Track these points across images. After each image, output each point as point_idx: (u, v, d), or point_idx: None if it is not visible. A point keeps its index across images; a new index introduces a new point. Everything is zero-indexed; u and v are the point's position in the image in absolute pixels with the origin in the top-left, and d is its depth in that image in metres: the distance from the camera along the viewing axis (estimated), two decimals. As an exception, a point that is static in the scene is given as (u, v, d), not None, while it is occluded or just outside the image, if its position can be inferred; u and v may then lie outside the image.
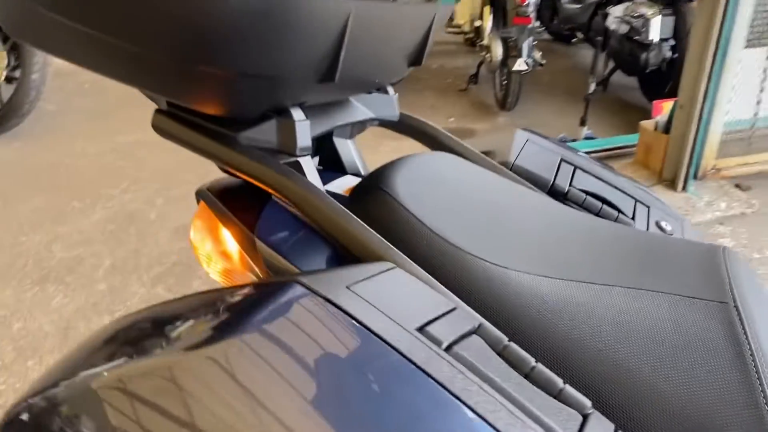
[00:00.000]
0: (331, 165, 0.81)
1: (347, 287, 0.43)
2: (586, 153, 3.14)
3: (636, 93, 4.01)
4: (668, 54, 3.47)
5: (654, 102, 3.23)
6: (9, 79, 3.37)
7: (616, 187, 0.91)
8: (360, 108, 0.78)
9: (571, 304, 0.54)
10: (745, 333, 0.51)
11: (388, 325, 0.41)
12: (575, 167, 0.92)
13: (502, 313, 0.55)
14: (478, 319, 0.49)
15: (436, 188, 0.66)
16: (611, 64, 3.95)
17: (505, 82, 3.71)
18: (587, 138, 3.30)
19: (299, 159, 0.69)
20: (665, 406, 0.50)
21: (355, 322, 0.40)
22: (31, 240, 2.48)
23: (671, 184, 2.78)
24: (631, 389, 0.51)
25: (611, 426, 0.44)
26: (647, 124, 2.93)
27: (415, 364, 0.39)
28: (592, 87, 3.20)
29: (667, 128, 2.80)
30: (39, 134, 3.59)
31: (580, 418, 0.43)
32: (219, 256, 0.66)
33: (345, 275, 0.45)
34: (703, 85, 2.55)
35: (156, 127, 0.62)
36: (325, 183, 0.74)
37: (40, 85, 3.41)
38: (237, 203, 0.67)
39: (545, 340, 0.53)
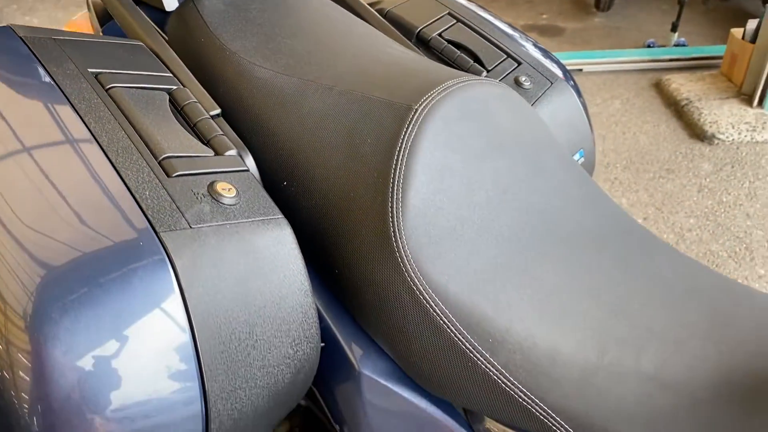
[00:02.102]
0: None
1: (53, 38, 0.58)
2: (671, 60, 2.98)
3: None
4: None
5: None
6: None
7: (495, 44, 0.96)
8: None
9: (289, 95, 0.66)
10: (406, 131, 0.60)
11: (63, 68, 0.56)
12: (458, 21, 0.98)
13: (238, 95, 0.68)
14: (178, 84, 0.62)
15: (249, 10, 0.77)
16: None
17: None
18: (677, 45, 3.11)
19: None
20: (324, 185, 0.61)
21: (35, 58, 0.55)
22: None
23: (748, 100, 2.60)
24: (306, 167, 0.63)
25: (247, 174, 0.57)
26: (737, 32, 2.71)
27: (62, 90, 0.54)
28: (688, -12, 2.97)
29: (754, 37, 2.58)
30: None
31: (211, 153, 0.56)
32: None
33: (66, 34, 0.60)
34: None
35: None
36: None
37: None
38: None
39: (257, 116, 0.66)
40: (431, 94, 0.63)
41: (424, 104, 0.62)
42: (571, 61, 2.93)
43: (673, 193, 2.20)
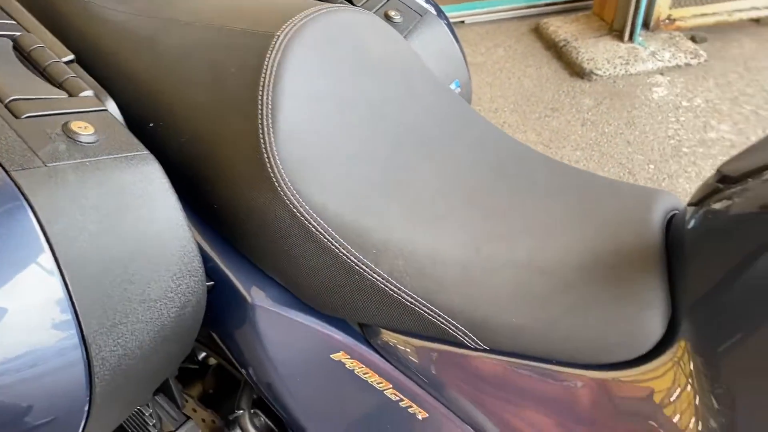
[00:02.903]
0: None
1: None
2: (547, 5, 3.05)
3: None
4: None
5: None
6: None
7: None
8: None
9: (146, 35, 0.64)
10: (270, 58, 0.59)
11: None
12: None
13: (92, 41, 0.65)
14: (22, 30, 0.59)
15: None
16: None
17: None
18: (551, -10, 3.22)
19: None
20: (192, 121, 0.60)
21: None
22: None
23: (619, 35, 2.74)
24: (171, 106, 0.61)
25: (105, 113, 0.55)
26: (604, -29, 2.83)
27: None
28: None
29: (619, -25, 2.71)
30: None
31: (65, 95, 0.54)
32: None
33: None
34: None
35: None
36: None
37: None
38: None
39: (114, 60, 0.64)
40: (293, 21, 0.63)
41: (286, 30, 0.61)
42: (453, 14, 2.98)
43: (559, 130, 2.30)
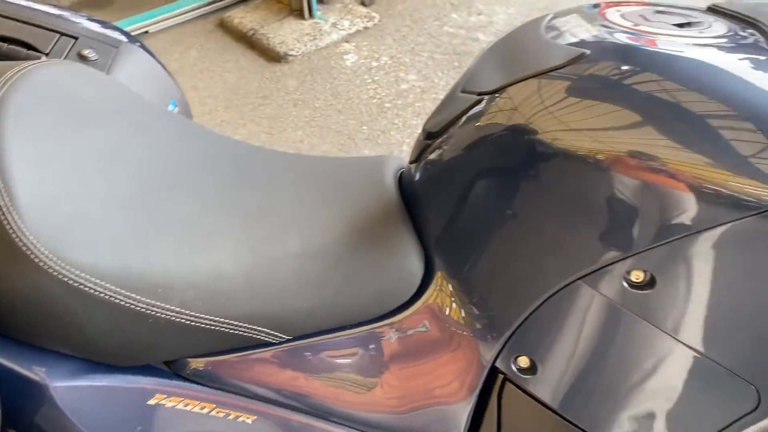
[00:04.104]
0: None
1: None
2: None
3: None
4: None
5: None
6: None
7: (43, 27, 0.92)
8: None
9: None
10: None
11: None
12: None
13: None
14: None
15: None
16: None
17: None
18: (224, -17, 3.26)
19: None
20: None
21: None
22: None
23: (300, 14, 2.89)
24: None
25: None
26: (268, -43, 2.95)
27: None
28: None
29: (285, -42, 2.85)
30: None
31: None
32: None
33: None
34: None
35: None
36: None
37: None
38: None
39: None
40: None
41: None
42: (134, 27, 2.87)
43: (276, 116, 2.39)
